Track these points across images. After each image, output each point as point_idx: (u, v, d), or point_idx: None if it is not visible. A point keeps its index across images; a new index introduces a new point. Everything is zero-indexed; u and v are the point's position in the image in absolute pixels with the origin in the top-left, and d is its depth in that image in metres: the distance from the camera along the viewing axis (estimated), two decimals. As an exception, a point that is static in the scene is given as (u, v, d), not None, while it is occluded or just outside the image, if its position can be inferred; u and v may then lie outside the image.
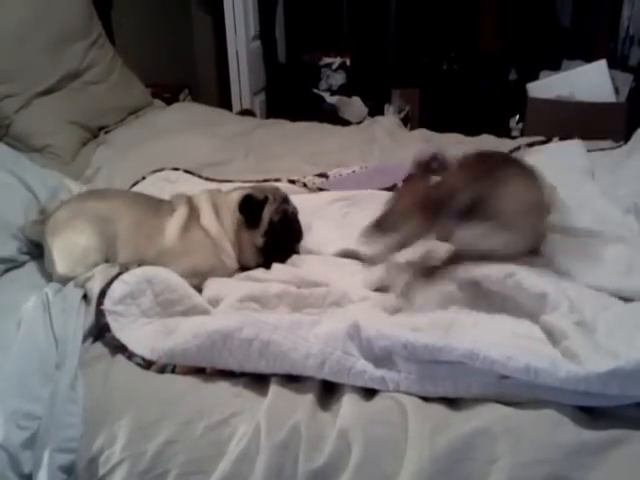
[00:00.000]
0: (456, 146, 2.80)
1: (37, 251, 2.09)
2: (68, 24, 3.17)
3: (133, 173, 2.69)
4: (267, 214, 2.11)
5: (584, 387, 1.35)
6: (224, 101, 4.58)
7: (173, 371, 1.60)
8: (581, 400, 1.37)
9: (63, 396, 1.53)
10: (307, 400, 1.46)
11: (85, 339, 1.70)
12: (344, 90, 4.82)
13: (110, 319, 1.73)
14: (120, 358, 1.65)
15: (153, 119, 3.36)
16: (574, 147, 2.68)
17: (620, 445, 1.29)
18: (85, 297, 1.84)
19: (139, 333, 1.70)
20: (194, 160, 2.86)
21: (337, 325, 1.52)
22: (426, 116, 4.65)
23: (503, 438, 1.31)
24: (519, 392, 1.40)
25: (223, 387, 1.54)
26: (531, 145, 2.78)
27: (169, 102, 3.79)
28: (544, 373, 1.36)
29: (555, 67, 4.27)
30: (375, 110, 4.46)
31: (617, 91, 3.94)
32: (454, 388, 1.43)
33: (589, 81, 3.91)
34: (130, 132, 3.17)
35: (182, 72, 4.59)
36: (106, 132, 3.18)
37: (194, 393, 1.54)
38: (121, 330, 1.71)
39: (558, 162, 2.52)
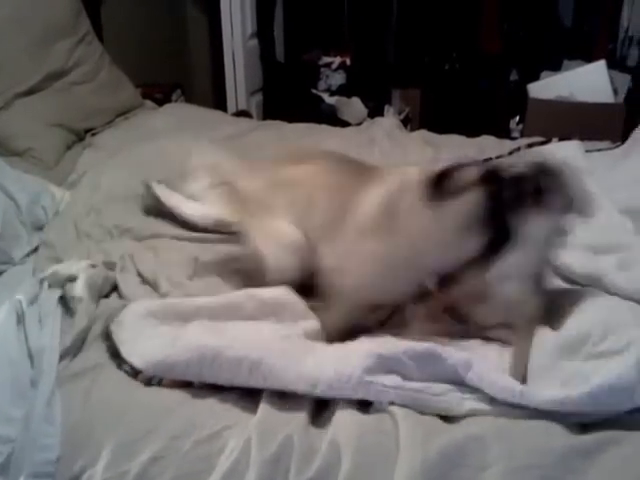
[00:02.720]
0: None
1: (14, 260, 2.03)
2: (53, 20, 3.09)
3: (121, 178, 2.59)
4: None
5: (569, 408, 1.35)
6: (219, 102, 4.52)
7: (160, 383, 1.55)
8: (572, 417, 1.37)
9: (39, 416, 1.46)
10: (299, 414, 1.43)
11: (65, 355, 1.63)
12: (343, 90, 4.76)
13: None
14: (104, 373, 1.59)
15: (143, 121, 3.30)
16: (573, 148, 2.66)
17: (610, 448, 1.29)
18: (62, 298, 1.77)
19: (143, 339, 1.65)
20: (186, 164, 2.79)
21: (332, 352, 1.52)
22: (427, 117, 4.61)
23: (495, 444, 1.31)
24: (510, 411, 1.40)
25: (213, 401, 1.50)
26: (530, 146, 2.78)
27: (161, 103, 3.73)
28: (529, 394, 1.37)
29: (556, 67, 4.26)
30: (375, 111, 4.41)
31: (616, 92, 3.96)
32: (447, 405, 1.42)
33: (588, 82, 3.94)
34: (119, 134, 3.09)
35: (175, 72, 4.51)
36: (93, 134, 3.10)
37: (182, 407, 1.49)
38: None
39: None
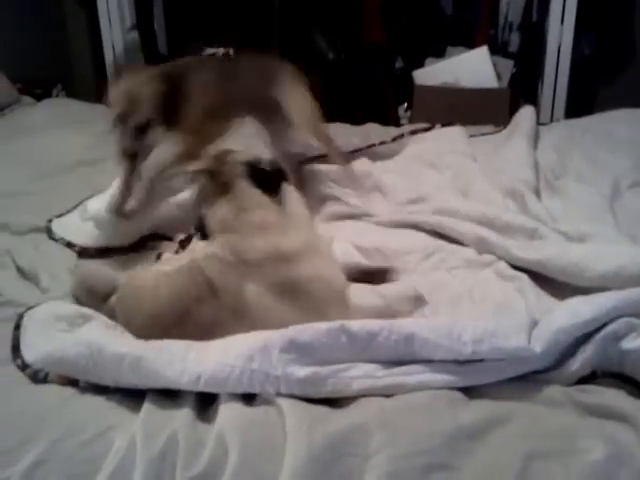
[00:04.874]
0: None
1: None
2: None
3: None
4: None
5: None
6: (102, 96, 4.36)
7: (46, 379, 1.51)
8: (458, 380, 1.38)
9: None
10: (184, 410, 1.40)
11: None
12: (227, 81, 4.69)
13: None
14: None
15: (21, 117, 3.20)
16: (456, 133, 2.72)
17: (498, 426, 1.27)
18: None
19: (45, 337, 1.60)
20: (66, 159, 2.73)
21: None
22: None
23: (379, 431, 1.28)
24: (400, 382, 1.39)
25: (97, 401, 1.46)
26: (414, 132, 2.79)
27: (40, 98, 3.60)
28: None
29: (439, 54, 4.28)
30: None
31: (499, 77, 4.00)
32: (334, 388, 1.40)
33: (472, 67, 3.96)
34: (-5, 130, 2.98)
35: (55, 66, 4.34)
36: (-34, 131, 2.97)
37: (66, 407, 1.44)
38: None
39: (441, 148, 2.53)
